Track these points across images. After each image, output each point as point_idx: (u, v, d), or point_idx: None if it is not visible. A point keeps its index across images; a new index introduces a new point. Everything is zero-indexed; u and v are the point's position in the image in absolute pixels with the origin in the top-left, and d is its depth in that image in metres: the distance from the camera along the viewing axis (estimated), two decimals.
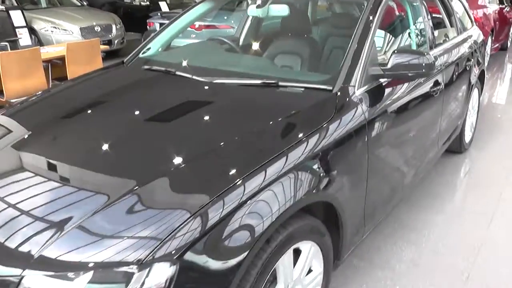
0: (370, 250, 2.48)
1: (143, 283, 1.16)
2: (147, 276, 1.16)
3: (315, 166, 1.61)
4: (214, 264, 1.26)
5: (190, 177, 1.42)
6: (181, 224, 1.23)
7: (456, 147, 3.75)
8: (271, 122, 1.70)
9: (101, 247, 1.19)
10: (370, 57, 2.08)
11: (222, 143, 1.55)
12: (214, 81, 2.12)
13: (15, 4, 8.83)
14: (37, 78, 4.34)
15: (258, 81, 2.02)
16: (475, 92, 3.85)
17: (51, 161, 1.59)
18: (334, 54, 2.19)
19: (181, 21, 3.01)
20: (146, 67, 2.50)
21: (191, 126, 1.76)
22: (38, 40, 8.11)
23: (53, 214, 1.32)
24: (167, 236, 1.20)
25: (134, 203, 1.31)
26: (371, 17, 2.20)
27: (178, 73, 2.28)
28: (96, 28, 8.56)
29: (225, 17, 7.17)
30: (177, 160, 1.50)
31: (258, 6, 2.70)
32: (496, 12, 7.93)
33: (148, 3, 12.47)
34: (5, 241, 1.27)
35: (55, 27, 8.30)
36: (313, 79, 2.06)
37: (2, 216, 1.35)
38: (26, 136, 1.83)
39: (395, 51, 2.09)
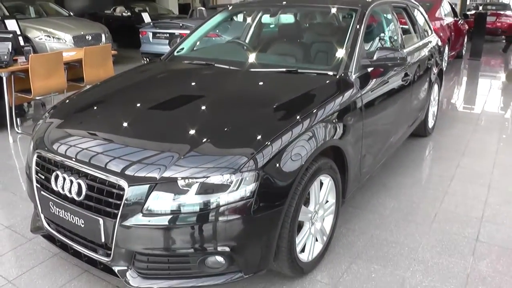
0: (362, 201, 3.22)
1: (239, 185, 1.82)
2: (242, 180, 1.83)
3: (330, 122, 2.33)
4: (279, 178, 1.94)
5: (258, 123, 2.11)
6: (258, 149, 1.91)
7: (421, 131, 4.58)
8: (299, 94, 2.42)
9: (208, 165, 1.85)
10: (360, 52, 2.84)
11: (273, 106, 2.25)
12: (250, 70, 2.83)
13: (7, 14, 9.22)
14: (59, 78, 4.88)
15: (283, 69, 2.75)
16: (435, 87, 4.71)
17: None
18: (335, 50, 2.93)
19: (201, 29, 3.67)
20: (186, 61, 3.18)
21: (245, 97, 2.46)
22: (32, 48, 8.52)
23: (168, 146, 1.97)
24: (251, 157, 1.87)
25: (222, 140, 1.98)
26: (358, 26, 2.97)
27: (216, 65, 2.97)
28: (87, 37, 9.06)
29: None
30: (247, 114, 2.19)
31: (272, 15, 3.44)
32: (452, 24, 9.01)
33: (129, 14, 12.96)
34: (139, 160, 1.90)
35: (49, 36, 8.73)
36: (323, 67, 2.81)
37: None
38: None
39: (378, 48, 2.87)
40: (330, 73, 2.70)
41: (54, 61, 4.78)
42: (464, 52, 10.56)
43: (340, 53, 2.84)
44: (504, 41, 11.82)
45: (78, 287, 2.32)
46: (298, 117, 2.16)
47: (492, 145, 4.51)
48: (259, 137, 1.98)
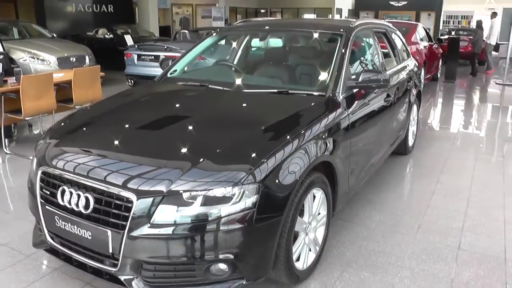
0: (350, 215, 3.37)
1: (241, 198, 1.96)
2: (244, 192, 1.96)
3: (321, 139, 2.50)
4: (277, 191, 2.08)
5: (256, 141, 2.26)
6: (257, 164, 2.05)
7: (402, 150, 4.81)
8: (292, 113, 2.59)
9: (211, 179, 1.98)
10: (346, 74, 3.04)
11: (268, 124, 2.40)
12: (243, 91, 2.99)
13: None
14: (49, 99, 4.94)
15: (275, 90, 2.93)
16: (415, 107, 4.97)
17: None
18: (322, 72, 3.12)
19: (192, 52, 3.82)
20: (181, 83, 3.32)
21: (241, 116, 2.61)
22: None
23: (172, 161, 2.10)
24: (250, 172, 2.01)
25: (223, 156, 2.12)
26: (343, 49, 3.18)
27: (210, 86, 3.12)
28: (71, 59, 9.12)
29: None
30: (243, 132, 2.33)
31: (261, 39, 3.64)
32: (427, 48, 9.47)
33: (112, 36, 13.08)
34: (145, 176, 2.01)
35: (33, 57, 8.76)
36: (312, 88, 2.99)
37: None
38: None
39: (363, 70, 3.08)
40: (319, 93, 2.88)
41: (44, 82, 4.85)
42: (439, 75, 11.05)
43: (328, 75, 3.03)
44: (477, 64, 12.41)
45: None
46: (292, 134, 2.31)
47: (469, 161, 4.77)
48: (258, 153, 2.12)
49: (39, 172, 2.34)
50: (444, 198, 3.75)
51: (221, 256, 1.97)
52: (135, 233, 1.94)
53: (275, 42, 3.66)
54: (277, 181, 2.09)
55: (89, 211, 2.06)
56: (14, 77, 4.99)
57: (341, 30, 3.38)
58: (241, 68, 3.68)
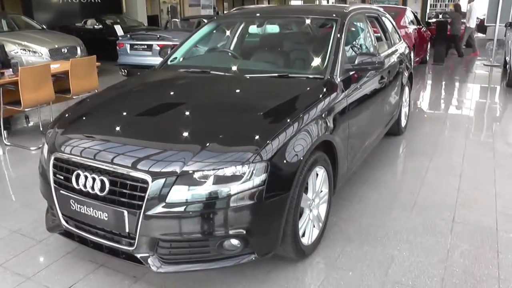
0: (349, 194, 3.51)
1: (251, 176, 2.06)
2: (253, 171, 2.07)
3: (322, 120, 2.61)
4: (284, 169, 2.20)
5: (261, 122, 2.36)
6: (265, 144, 2.15)
7: (395, 130, 4.94)
8: (293, 95, 2.69)
9: (221, 159, 2.08)
10: (343, 58, 3.14)
11: (271, 107, 2.50)
12: (245, 75, 3.09)
13: None
14: (47, 90, 4.98)
15: (276, 74, 3.02)
16: (406, 89, 5.10)
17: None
18: (320, 56, 3.21)
19: (190, 40, 3.89)
20: (182, 69, 3.40)
21: (244, 100, 2.71)
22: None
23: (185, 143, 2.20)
24: (259, 151, 2.12)
25: (231, 138, 2.22)
26: (339, 34, 3.27)
27: (212, 72, 3.21)
28: (63, 50, 9.09)
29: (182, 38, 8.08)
30: (249, 115, 2.43)
31: (259, 26, 3.72)
32: (416, 31, 9.59)
33: (101, 26, 12.98)
34: (158, 158, 2.11)
35: (24, 49, 8.71)
36: (311, 72, 3.09)
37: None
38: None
39: (359, 54, 3.19)
40: (318, 76, 2.98)
41: (42, 73, 4.89)
42: (428, 58, 11.20)
43: (325, 59, 3.13)
44: (464, 46, 12.59)
45: (96, 280, 2.48)
46: (295, 115, 2.42)
47: (460, 140, 4.93)
48: (265, 133, 2.23)
49: (52, 159, 2.43)
50: (437, 176, 3.90)
51: (233, 232, 2.08)
52: (151, 212, 2.04)
53: (272, 28, 3.75)
54: (284, 159, 2.20)
55: (104, 193, 2.16)
56: (11, 69, 5.01)
57: (336, 15, 3.47)
58: (240, 54, 3.76)
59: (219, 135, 2.23)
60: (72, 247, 2.80)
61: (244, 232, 2.10)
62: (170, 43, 7.75)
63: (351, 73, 3.19)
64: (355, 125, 3.13)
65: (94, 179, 2.19)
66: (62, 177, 2.37)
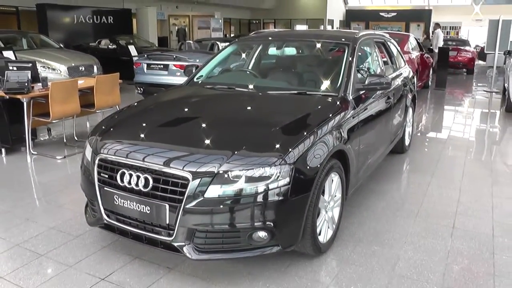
0: (357, 202, 3.81)
1: (278, 176, 2.38)
2: (280, 172, 2.39)
3: (337, 131, 2.94)
4: (306, 172, 2.52)
5: (288, 131, 2.70)
6: (290, 150, 2.48)
7: (400, 149, 5.27)
8: (313, 110, 3.03)
9: (250, 162, 2.40)
10: (354, 78, 3.49)
11: (294, 119, 2.84)
12: (267, 92, 3.44)
13: (2, 45, 9.61)
14: (74, 103, 5.34)
15: (295, 91, 3.39)
16: (410, 110, 5.44)
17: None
18: (334, 76, 3.56)
19: (214, 60, 4.25)
20: (208, 86, 3.76)
21: (269, 112, 3.06)
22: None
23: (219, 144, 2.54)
24: (285, 156, 2.44)
25: (263, 143, 2.55)
26: (351, 57, 3.63)
27: (237, 88, 3.57)
28: (80, 68, 9.52)
29: (202, 59, 8.50)
30: (274, 125, 2.74)
31: (278, 48, 4.12)
32: (419, 57, 10.03)
33: (115, 46, 13.48)
34: (197, 160, 2.43)
35: (43, 66, 9.13)
36: (326, 90, 3.44)
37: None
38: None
39: (369, 75, 3.55)
40: (333, 94, 3.33)
41: (70, 88, 5.26)
42: (430, 83, 11.62)
43: (339, 79, 3.47)
44: (465, 73, 13.04)
45: (133, 269, 2.76)
46: (314, 127, 2.76)
47: (460, 159, 5.24)
48: (289, 142, 2.57)
49: (97, 160, 2.74)
50: (438, 189, 4.20)
51: (262, 225, 2.39)
52: (190, 206, 2.35)
53: (289, 50, 4.12)
54: (305, 164, 2.52)
55: (148, 189, 2.47)
56: (41, 83, 5.38)
57: (348, 40, 3.85)
58: (260, 73, 4.12)
59: (250, 142, 2.56)
60: (107, 242, 3.09)
61: (272, 225, 2.40)
62: (185, 63, 8.15)
63: (361, 92, 3.53)
64: (365, 138, 3.46)
65: (138, 177, 2.50)
66: (106, 176, 2.68)
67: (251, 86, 3.60)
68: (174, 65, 8.17)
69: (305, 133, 2.66)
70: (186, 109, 3.24)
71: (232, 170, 2.37)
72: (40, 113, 5.24)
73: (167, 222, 2.43)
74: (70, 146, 5.69)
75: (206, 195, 2.35)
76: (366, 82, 3.49)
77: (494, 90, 11.04)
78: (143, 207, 2.49)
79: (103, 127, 3.07)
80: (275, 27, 29.77)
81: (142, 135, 2.82)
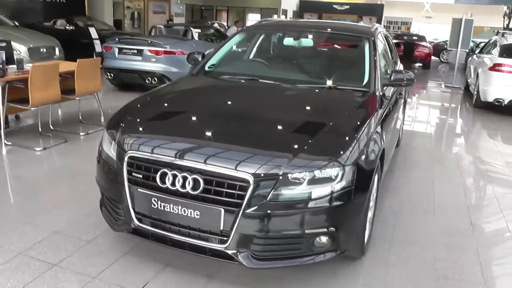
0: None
1: (342, 177, 2.24)
2: (344, 172, 2.24)
3: (378, 129, 2.83)
4: (366, 172, 2.39)
5: (341, 129, 2.56)
6: (351, 149, 2.34)
7: (397, 143, 5.30)
8: (353, 106, 2.91)
9: (315, 163, 2.23)
10: (380, 73, 3.40)
11: (341, 116, 2.70)
12: (296, 85, 3.28)
13: None
14: (55, 89, 4.85)
15: (324, 85, 3.23)
16: (403, 104, 5.50)
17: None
18: (360, 71, 3.41)
19: (223, 48, 3.99)
20: (227, 76, 3.51)
21: (314, 108, 2.94)
22: None
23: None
24: (348, 155, 2.30)
25: (323, 142, 2.39)
26: (374, 50, 3.53)
27: (261, 80, 3.35)
28: (41, 50, 8.74)
29: (180, 45, 8.11)
30: (326, 123, 2.59)
31: (295, 39, 3.94)
32: None
33: (72, 27, 12.56)
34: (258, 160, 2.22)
35: None
36: (357, 85, 3.29)
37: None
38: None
39: (394, 71, 3.48)
40: (364, 89, 3.22)
41: (52, 72, 4.77)
42: None
43: (366, 73, 3.36)
44: (421, 68, 13.52)
45: (168, 279, 2.51)
46: (364, 124, 2.65)
47: (451, 153, 5.39)
48: (348, 140, 2.44)
49: (126, 157, 2.44)
50: (443, 185, 4.27)
51: (325, 230, 2.24)
52: (251, 211, 2.15)
53: (308, 42, 3.95)
54: (365, 164, 2.40)
55: (198, 191, 2.22)
56: (16, 66, 4.83)
57: (367, 33, 3.75)
58: (281, 65, 3.91)
59: (309, 141, 2.39)
60: (127, 247, 2.80)
61: (334, 229, 2.26)
62: (161, 49, 7.72)
63: (385, 88, 3.46)
64: (388, 135, 3.39)
65: (185, 178, 2.25)
66: (140, 176, 2.40)
67: (276, 79, 3.39)
68: (150, 51, 7.71)
69: (360, 132, 2.54)
70: (220, 102, 3.01)
71: (296, 172, 2.19)
72: (15, 98, 4.70)
73: (221, 228, 2.21)
74: (45, 136, 5.18)
75: (268, 199, 2.16)
76: (392, 78, 3.42)
77: (455, 86, 11.53)
78: (190, 212, 2.25)
79: (127, 118, 2.75)
80: (228, 15, 29.36)
81: (182, 131, 2.56)
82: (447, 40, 23.05)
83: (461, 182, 4.37)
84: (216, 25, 16.86)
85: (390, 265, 2.76)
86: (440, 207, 3.71)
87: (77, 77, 5.17)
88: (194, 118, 2.71)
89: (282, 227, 2.20)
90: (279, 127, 2.61)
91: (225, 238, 2.22)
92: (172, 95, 3.21)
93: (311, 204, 2.20)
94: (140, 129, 2.61)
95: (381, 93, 3.25)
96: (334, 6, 28.62)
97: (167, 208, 2.31)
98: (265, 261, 2.25)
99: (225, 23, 24.95)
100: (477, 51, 10.71)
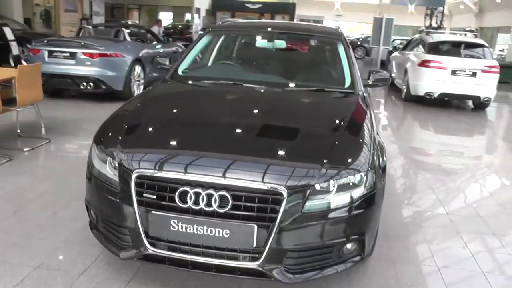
0: None
1: (366, 181, 2.24)
2: (367, 177, 2.25)
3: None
4: (381, 175, 2.42)
5: (352, 134, 2.57)
6: (369, 153, 2.37)
7: None
8: (350, 110, 2.92)
9: (341, 171, 2.21)
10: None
11: (346, 121, 2.69)
12: (285, 89, 3.23)
13: None
14: (37, 90, 4.65)
15: (314, 88, 3.23)
16: None
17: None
18: (340, 72, 3.45)
19: (194, 51, 3.82)
20: (208, 81, 3.35)
21: (315, 111, 2.92)
22: None
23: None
24: (369, 164, 2.31)
25: (341, 151, 2.38)
26: (349, 52, 3.61)
27: (245, 84, 3.25)
28: None
29: (114, 47, 7.63)
30: (334, 125, 2.62)
31: (268, 41, 3.88)
32: None
33: None
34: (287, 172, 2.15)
35: None
36: (341, 87, 3.34)
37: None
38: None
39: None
40: (350, 91, 3.27)
41: (36, 73, 4.34)
42: None
43: (347, 75, 3.42)
44: None
45: None
46: (368, 127, 2.71)
47: (387, 142, 5.73)
48: (364, 145, 2.47)
49: (133, 177, 2.21)
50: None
51: (355, 236, 2.23)
52: (285, 224, 2.07)
53: (282, 43, 3.91)
54: (379, 167, 2.43)
55: (226, 209, 2.09)
56: None
57: (337, 34, 3.82)
58: (261, 68, 3.82)
59: (330, 149, 2.35)
60: (129, 275, 2.54)
61: (362, 235, 2.26)
62: (95, 51, 7.19)
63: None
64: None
65: (210, 196, 2.09)
66: (154, 197, 2.19)
67: (261, 82, 3.31)
68: (84, 53, 7.14)
69: (369, 134, 2.58)
70: (222, 111, 2.87)
71: (326, 181, 2.16)
72: None
73: (254, 245, 2.09)
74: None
75: (303, 211, 2.09)
76: (371, 80, 3.52)
77: None
78: (218, 231, 2.10)
79: (124, 131, 2.49)
80: (139, 14, 28.40)
81: (196, 144, 2.39)
82: (359, 38, 24.50)
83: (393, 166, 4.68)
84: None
85: (397, 263, 2.84)
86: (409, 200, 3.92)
87: (19, 86, 4.59)
88: (203, 129, 2.54)
89: (316, 238, 2.15)
90: (297, 136, 2.55)
91: (257, 255, 2.12)
92: (166, 104, 3.00)
93: (342, 212, 2.18)
94: (146, 143, 2.39)
95: (364, 94, 3.32)
96: (247, 4, 28.89)
97: (189, 230, 2.13)
98: (299, 274, 2.18)
99: (137, 22, 24.11)
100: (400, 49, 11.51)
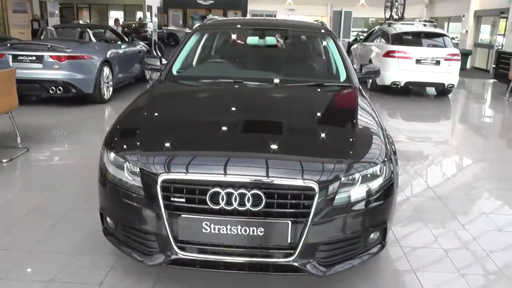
0: None
1: (386, 171, 2.34)
2: (386, 166, 2.35)
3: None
4: (395, 164, 2.51)
5: (369, 128, 2.65)
6: (385, 143, 2.47)
7: None
8: (353, 103, 3.01)
9: (363, 164, 2.29)
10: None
11: (357, 114, 2.76)
12: (285, 85, 3.28)
13: None
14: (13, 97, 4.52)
15: (313, 83, 3.31)
16: None
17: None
18: (335, 66, 3.55)
19: (184, 50, 3.77)
20: (207, 80, 3.34)
21: (325, 106, 2.99)
22: None
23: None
24: (385, 154, 2.40)
25: (361, 144, 2.45)
26: (340, 45, 3.71)
27: (246, 82, 3.27)
28: None
29: (82, 49, 7.37)
30: (350, 124, 2.66)
31: (260, 38, 3.91)
32: None
33: None
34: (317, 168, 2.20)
35: None
36: (339, 81, 3.44)
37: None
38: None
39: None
40: (347, 84, 3.36)
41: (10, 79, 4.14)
42: None
43: (342, 68, 3.52)
44: None
45: None
46: (376, 119, 2.80)
47: None
48: (379, 135, 2.56)
49: (159, 181, 2.18)
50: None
51: (380, 225, 2.33)
52: (318, 219, 2.12)
53: (272, 40, 3.93)
54: (393, 156, 2.53)
55: (260, 207, 2.11)
56: None
57: (326, 29, 3.92)
58: (258, 65, 3.82)
59: (350, 141, 2.44)
60: (152, 280, 2.51)
61: (385, 223, 2.36)
62: (63, 54, 6.91)
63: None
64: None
65: (243, 195, 2.11)
66: (183, 200, 2.17)
67: (261, 79, 3.35)
68: (51, 56, 6.83)
69: (379, 125, 2.69)
70: (236, 109, 2.88)
71: (353, 174, 2.23)
72: None
73: (289, 241, 2.13)
74: None
75: (334, 204, 2.15)
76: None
77: None
78: (253, 230, 2.12)
79: (141, 135, 2.45)
80: (90, 13, 27.47)
81: (220, 144, 2.40)
82: None
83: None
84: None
85: (406, 246, 2.98)
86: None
87: None
88: (225, 129, 2.55)
89: (346, 230, 2.22)
90: (318, 131, 2.61)
91: (291, 251, 2.16)
92: (175, 105, 2.98)
93: (369, 202, 2.25)
94: (168, 146, 2.36)
95: (357, 86, 3.43)
96: (199, 1, 28.59)
97: (222, 231, 2.13)
98: (331, 266, 2.24)
99: (88, 22, 23.31)
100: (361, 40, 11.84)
